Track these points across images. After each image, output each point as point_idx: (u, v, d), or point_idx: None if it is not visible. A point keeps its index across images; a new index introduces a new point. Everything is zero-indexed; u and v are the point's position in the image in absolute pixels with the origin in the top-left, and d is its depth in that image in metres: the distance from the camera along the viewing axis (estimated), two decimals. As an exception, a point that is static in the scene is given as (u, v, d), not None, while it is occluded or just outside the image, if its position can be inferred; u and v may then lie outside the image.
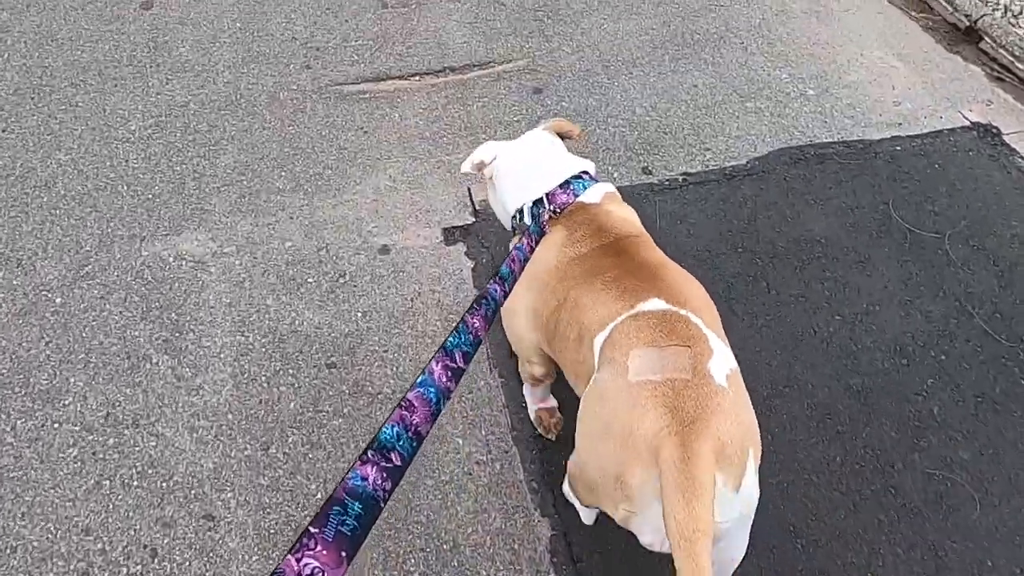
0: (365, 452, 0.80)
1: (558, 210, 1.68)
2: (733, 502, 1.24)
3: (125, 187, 2.69)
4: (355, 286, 2.42)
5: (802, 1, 3.65)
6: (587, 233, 1.63)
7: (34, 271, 2.43)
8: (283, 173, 2.76)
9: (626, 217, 1.71)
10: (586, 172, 1.78)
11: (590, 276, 1.55)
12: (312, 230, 2.58)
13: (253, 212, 2.63)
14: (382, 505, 0.77)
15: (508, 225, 1.88)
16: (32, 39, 3.26)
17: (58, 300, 2.36)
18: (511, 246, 1.81)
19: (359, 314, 2.34)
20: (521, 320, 1.74)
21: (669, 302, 1.41)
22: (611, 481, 1.30)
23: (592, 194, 1.72)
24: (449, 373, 0.97)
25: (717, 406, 1.24)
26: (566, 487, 1.79)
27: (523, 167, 1.81)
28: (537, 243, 1.61)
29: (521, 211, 1.76)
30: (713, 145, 2.93)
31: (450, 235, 2.58)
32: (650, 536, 1.33)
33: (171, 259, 2.47)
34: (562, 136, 1.94)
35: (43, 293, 2.37)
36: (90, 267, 2.44)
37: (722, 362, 1.33)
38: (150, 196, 2.66)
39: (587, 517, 1.84)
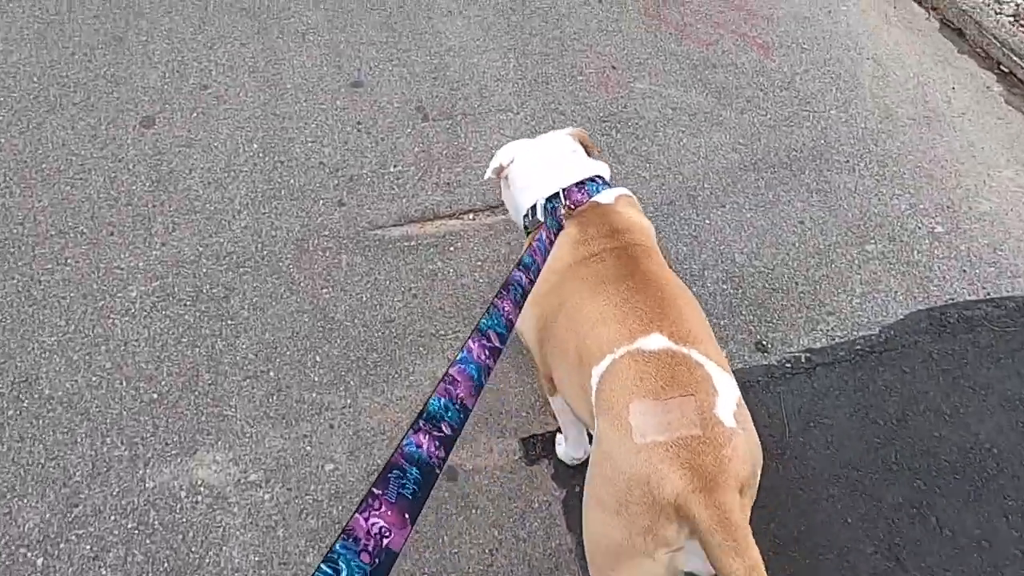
0: (416, 422, 0.83)
1: (572, 207, 1.70)
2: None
3: (123, 382, 2.18)
4: (416, 531, 1.91)
5: (907, 105, 3.16)
6: (600, 232, 1.62)
7: (9, 516, 1.91)
8: (318, 358, 2.25)
9: (639, 222, 1.70)
10: (600, 176, 1.81)
11: (597, 283, 1.52)
12: (358, 444, 2.07)
13: (284, 418, 2.12)
14: (437, 472, 0.80)
15: (520, 223, 1.88)
16: (13, 170, 2.76)
17: (39, 561, 1.84)
18: (525, 246, 1.83)
19: (426, 575, 1.83)
20: (525, 314, 1.68)
21: (671, 338, 1.38)
22: (640, 538, 1.25)
23: (606, 196, 1.74)
24: (487, 352, 1.00)
25: (733, 452, 1.23)
26: None
27: (539, 164, 1.84)
28: (556, 236, 1.57)
29: (534, 208, 1.79)
30: (835, 307, 2.42)
31: (531, 448, 2.07)
32: (701, 564, 1.24)
33: (183, 493, 1.96)
34: (584, 146, 1.94)
35: (20, 550, 1.86)
36: (80, 508, 1.93)
37: (727, 399, 1.31)
38: (155, 396, 2.15)
39: None
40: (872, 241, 2.62)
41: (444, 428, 0.84)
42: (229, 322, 2.34)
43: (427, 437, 0.81)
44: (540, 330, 1.65)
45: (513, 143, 1.93)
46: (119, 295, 2.40)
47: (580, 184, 1.76)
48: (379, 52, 3.32)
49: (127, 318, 2.34)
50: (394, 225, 2.63)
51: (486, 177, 1.96)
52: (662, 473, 1.21)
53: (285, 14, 3.48)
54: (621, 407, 1.30)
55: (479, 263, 2.52)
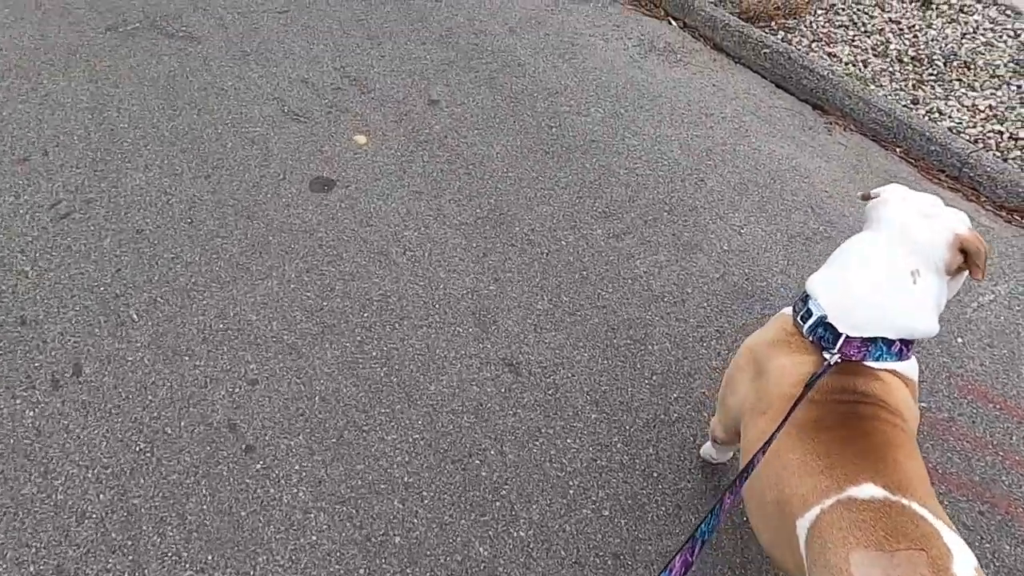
0: None
1: (839, 359, 1.46)
2: None
3: None
4: None
5: None
6: (835, 383, 1.44)
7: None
8: None
9: (892, 390, 1.44)
10: (904, 344, 1.47)
11: (804, 428, 1.40)
12: None
13: None
14: None
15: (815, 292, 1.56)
16: None
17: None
18: (784, 312, 1.65)
19: None
20: (736, 400, 1.67)
21: (887, 488, 1.26)
22: None
23: (879, 364, 1.46)
24: (684, 568, 1.01)
25: None
26: None
27: (863, 270, 1.51)
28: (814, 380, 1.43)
29: (809, 307, 1.53)
30: None
31: None
32: None
33: None
34: (966, 259, 1.49)
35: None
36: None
37: (965, 561, 1.16)
38: None
39: None
40: None
41: None
42: None
43: None
44: (747, 433, 1.55)
45: (899, 191, 1.59)
46: None
47: (868, 341, 1.44)
48: None
49: None
50: None
51: (859, 195, 1.78)
52: None
53: None
54: (840, 560, 1.19)
55: None
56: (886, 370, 1.47)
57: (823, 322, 1.49)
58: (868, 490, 1.26)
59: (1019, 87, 3.63)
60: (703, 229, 2.90)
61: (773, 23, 4.06)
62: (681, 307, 2.60)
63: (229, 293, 2.54)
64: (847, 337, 1.46)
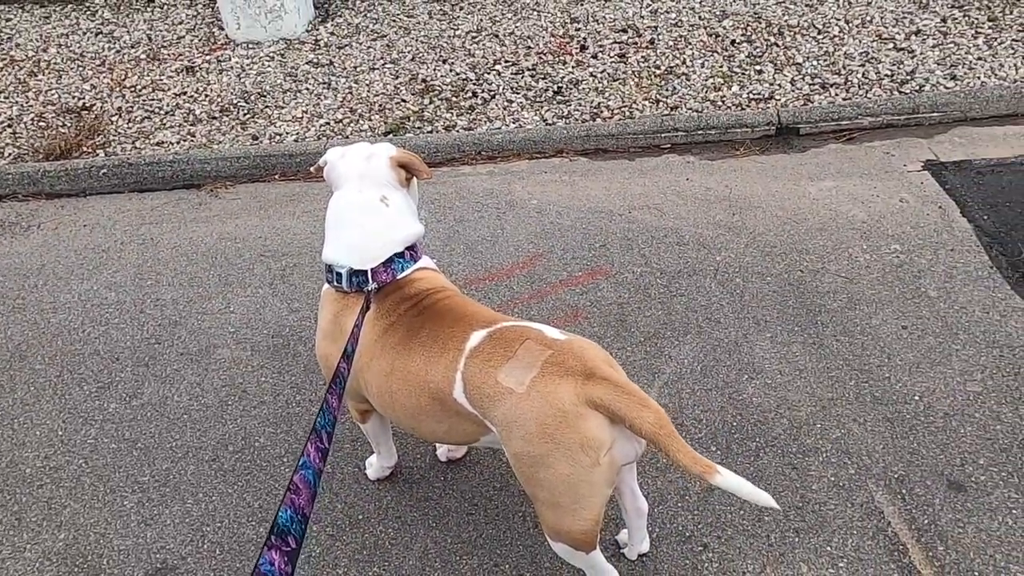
0: (269, 538, 0.92)
1: (378, 287, 1.81)
2: None
3: None
4: None
5: None
6: (395, 302, 1.79)
7: None
8: None
9: (429, 279, 1.86)
10: (409, 249, 1.86)
11: (407, 342, 1.72)
12: None
13: None
14: None
15: (327, 259, 1.88)
16: None
17: None
18: (324, 290, 1.94)
19: None
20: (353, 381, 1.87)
21: (482, 327, 1.67)
22: (581, 454, 1.48)
23: (407, 272, 1.84)
24: (320, 454, 1.18)
25: (580, 348, 1.57)
26: (581, 557, 1.68)
27: (350, 219, 1.85)
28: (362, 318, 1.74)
29: (336, 271, 1.83)
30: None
31: None
32: (636, 446, 1.55)
33: None
34: (407, 171, 1.92)
35: None
36: None
37: (549, 329, 1.64)
38: None
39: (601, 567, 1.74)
40: None
41: (291, 542, 0.93)
42: None
43: (278, 553, 0.90)
44: (369, 388, 1.80)
45: (337, 152, 1.95)
46: None
47: (387, 263, 1.81)
48: None
49: None
50: None
51: (312, 169, 2.07)
52: (553, 390, 1.48)
53: None
54: (495, 387, 1.54)
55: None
56: (416, 270, 1.86)
57: (353, 272, 1.81)
58: (475, 337, 1.64)
59: (296, 93, 4.40)
60: (202, 333, 2.89)
61: (84, 148, 4.01)
62: (244, 396, 2.61)
63: None
64: (372, 270, 1.80)
